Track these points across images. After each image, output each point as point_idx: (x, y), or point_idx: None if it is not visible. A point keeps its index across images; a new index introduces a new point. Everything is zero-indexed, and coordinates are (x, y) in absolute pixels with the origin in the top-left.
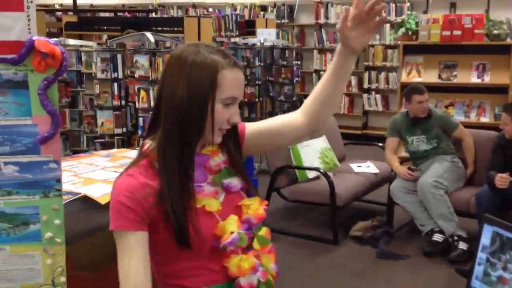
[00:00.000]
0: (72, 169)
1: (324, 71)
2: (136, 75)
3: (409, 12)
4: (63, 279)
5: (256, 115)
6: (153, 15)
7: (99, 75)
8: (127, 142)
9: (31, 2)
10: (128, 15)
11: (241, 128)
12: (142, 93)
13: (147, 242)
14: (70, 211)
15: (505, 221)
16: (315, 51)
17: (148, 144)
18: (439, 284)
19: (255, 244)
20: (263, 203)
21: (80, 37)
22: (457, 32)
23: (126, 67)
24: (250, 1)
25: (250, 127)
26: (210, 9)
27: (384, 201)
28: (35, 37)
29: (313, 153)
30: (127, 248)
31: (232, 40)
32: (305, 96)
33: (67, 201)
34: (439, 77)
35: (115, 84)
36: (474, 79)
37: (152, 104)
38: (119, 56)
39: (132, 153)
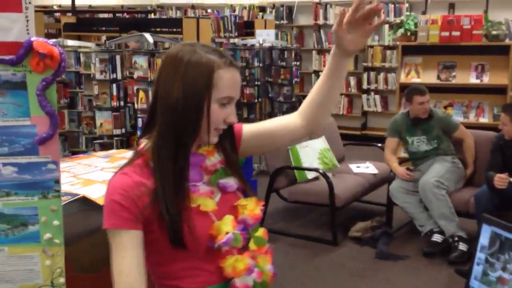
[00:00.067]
0: (71, 170)
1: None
2: (135, 76)
3: (408, 13)
4: (62, 280)
5: (255, 115)
6: (152, 16)
7: (98, 76)
8: (126, 143)
9: (30, 3)
10: (127, 16)
11: (238, 129)
12: (141, 94)
13: (142, 241)
14: (69, 212)
15: (504, 221)
16: (314, 52)
17: (144, 143)
18: (439, 284)
19: (251, 245)
20: (260, 203)
21: (78, 38)
22: (456, 33)
23: (125, 68)
24: (249, 2)
25: (247, 128)
26: (209, 10)
27: (383, 201)
28: (33, 38)
29: (312, 153)
30: (120, 247)
31: (231, 41)
32: (304, 97)
33: (66, 202)
34: (438, 77)
35: (114, 85)
36: (473, 79)
37: None
38: (117, 57)
39: (131, 154)
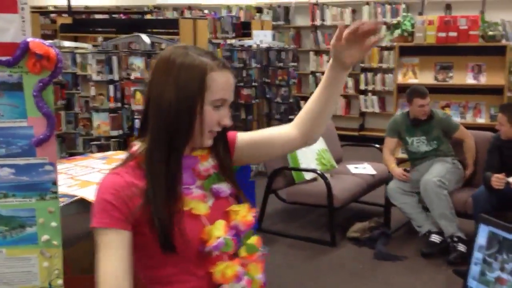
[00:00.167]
0: (68, 172)
1: (321, 72)
2: (132, 77)
3: (404, 14)
4: (60, 281)
5: (252, 116)
6: (149, 16)
7: (95, 77)
8: (123, 144)
9: (25, 3)
10: (123, 17)
11: (233, 136)
12: (138, 95)
13: (129, 242)
14: (66, 214)
15: (502, 221)
16: (311, 53)
17: (137, 145)
18: (437, 284)
19: (242, 252)
20: (252, 210)
21: (75, 39)
22: (453, 34)
23: (121, 69)
24: (246, 3)
25: (242, 136)
26: (206, 11)
27: (381, 202)
28: (29, 39)
29: (310, 154)
30: (108, 246)
31: (228, 41)
32: (302, 98)
33: (63, 203)
34: (435, 78)
35: (111, 86)
36: (469, 80)
37: None
38: (114, 58)
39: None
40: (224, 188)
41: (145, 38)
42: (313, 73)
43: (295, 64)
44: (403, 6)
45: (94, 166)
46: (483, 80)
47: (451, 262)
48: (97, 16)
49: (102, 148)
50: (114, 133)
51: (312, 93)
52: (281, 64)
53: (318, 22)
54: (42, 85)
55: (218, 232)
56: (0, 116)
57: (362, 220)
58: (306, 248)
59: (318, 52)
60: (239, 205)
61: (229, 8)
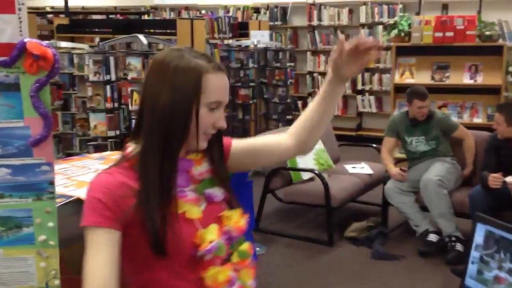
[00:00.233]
0: (65, 172)
1: (318, 72)
2: (129, 77)
3: (401, 14)
4: (57, 282)
5: (250, 117)
6: (146, 17)
7: (92, 77)
8: (120, 144)
9: (23, 4)
10: (120, 17)
11: (228, 142)
12: (135, 95)
13: (119, 242)
14: (63, 214)
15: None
16: (308, 53)
17: (132, 147)
18: (435, 284)
19: (234, 257)
20: (245, 216)
21: (72, 40)
22: (450, 34)
23: (118, 69)
24: (243, 3)
25: (237, 143)
26: (203, 11)
27: (378, 202)
28: (26, 39)
29: (308, 154)
30: (97, 245)
31: (226, 42)
32: (299, 98)
33: (60, 204)
34: (432, 78)
35: (108, 87)
36: (466, 80)
37: None
38: (111, 59)
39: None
40: (217, 193)
41: (142, 38)
42: (310, 73)
43: (292, 64)
44: (400, 6)
45: (91, 167)
46: (480, 80)
47: (449, 262)
48: (94, 17)
49: (99, 149)
50: (111, 133)
51: (309, 93)
52: (278, 64)
53: (315, 22)
54: (39, 85)
55: (212, 236)
56: None
57: (360, 219)
58: (303, 248)
59: (315, 52)
60: (232, 210)
61: (226, 8)
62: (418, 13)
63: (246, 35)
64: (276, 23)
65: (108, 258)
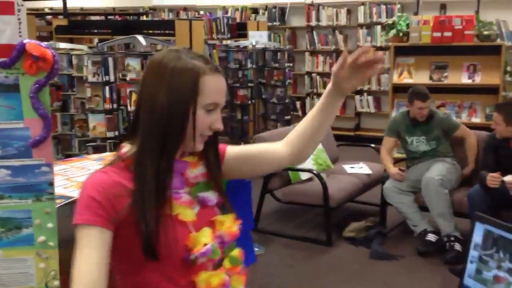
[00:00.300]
0: (65, 173)
1: (316, 72)
2: (128, 78)
3: (399, 14)
4: (56, 283)
5: (248, 117)
6: (144, 18)
7: (90, 78)
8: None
9: (22, 5)
10: (119, 18)
11: (222, 149)
12: (134, 96)
13: (110, 242)
14: (63, 215)
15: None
16: (306, 53)
17: (127, 148)
18: (433, 283)
19: (226, 263)
20: (237, 221)
21: (70, 41)
22: (448, 33)
23: (117, 70)
24: (241, 4)
25: (231, 150)
26: (202, 12)
27: (377, 202)
28: (26, 40)
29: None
30: (89, 244)
31: (224, 42)
32: (298, 98)
33: (60, 204)
34: (430, 78)
35: (107, 88)
36: (465, 79)
37: None
38: (110, 59)
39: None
40: (211, 197)
41: (141, 39)
42: (308, 73)
43: (291, 64)
44: (398, 6)
45: (90, 168)
46: (478, 79)
47: (448, 261)
48: (93, 18)
49: (98, 150)
50: (110, 134)
51: (308, 93)
52: (276, 65)
53: (313, 22)
54: (39, 86)
55: (205, 239)
56: None
57: (358, 219)
58: (302, 248)
59: (313, 53)
60: (225, 215)
61: (224, 9)
62: (416, 13)
63: (245, 36)
64: (274, 23)
65: (99, 258)
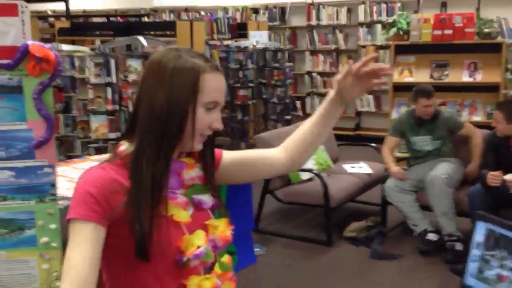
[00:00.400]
0: (67, 175)
1: (316, 72)
2: (130, 79)
3: (400, 12)
4: (59, 284)
5: (249, 117)
6: (146, 19)
7: (93, 80)
8: None
9: (26, 7)
10: (121, 20)
11: (218, 153)
12: (135, 100)
13: (103, 239)
14: (66, 216)
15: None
16: (307, 53)
17: (125, 146)
18: (434, 283)
19: (217, 269)
20: (230, 226)
21: (73, 43)
22: (448, 31)
23: (119, 71)
24: (242, 4)
25: (227, 155)
26: (202, 13)
27: (377, 201)
28: (29, 42)
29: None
30: (82, 240)
31: (225, 42)
32: (298, 98)
33: (62, 205)
34: (431, 76)
35: (109, 89)
36: (465, 78)
37: None
38: (112, 61)
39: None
40: (206, 200)
41: (143, 40)
42: (309, 73)
43: (291, 64)
44: (399, 4)
45: None
46: (479, 77)
47: (449, 261)
48: (95, 20)
49: (100, 151)
50: (112, 135)
51: (308, 93)
52: (277, 65)
53: (314, 22)
54: (42, 87)
55: (199, 241)
56: (0, 119)
57: (359, 219)
58: (302, 248)
59: (314, 52)
60: (218, 219)
61: (225, 9)
62: (416, 11)
63: (245, 36)
64: (274, 23)
65: (91, 254)
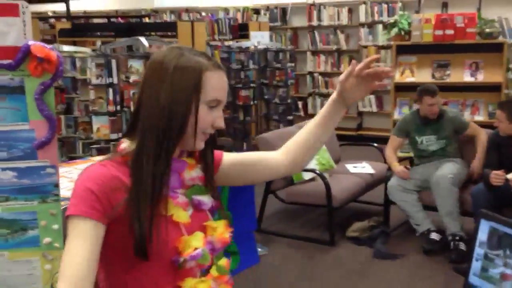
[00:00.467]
0: (69, 175)
1: (318, 72)
2: (131, 80)
3: (401, 12)
4: None
5: (251, 118)
6: (147, 20)
7: (94, 80)
8: None
9: (26, 7)
10: (122, 21)
11: (218, 155)
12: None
13: (102, 238)
14: None
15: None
16: (308, 53)
17: (126, 144)
18: (437, 283)
19: (213, 271)
20: (229, 229)
21: (74, 44)
22: (450, 32)
23: (120, 72)
24: (243, 5)
25: (227, 157)
26: (203, 13)
27: (380, 201)
28: (30, 42)
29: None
30: (82, 237)
31: (226, 43)
32: (300, 98)
33: (65, 206)
34: (433, 76)
35: (110, 90)
36: (467, 77)
37: None
38: (113, 62)
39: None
40: (206, 201)
41: (144, 41)
42: (310, 73)
43: (293, 64)
44: (400, 4)
45: None
46: (481, 77)
47: (452, 261)
48: (96, 21)
49: (101, 152)
50: (114, 136)
51: (310, 93)
52: (278, 65)
53: (315, 22)
54: (44, 88)
55: (197, 243)
56: (2, 119)
57: (361, 219)
58: (305, 248)
59: (315, 52)
60: (217, 221)
61: (226, 10)
62: (417, 12)
63: (246, 37)
64: (276, 24)
65: (90, 252)
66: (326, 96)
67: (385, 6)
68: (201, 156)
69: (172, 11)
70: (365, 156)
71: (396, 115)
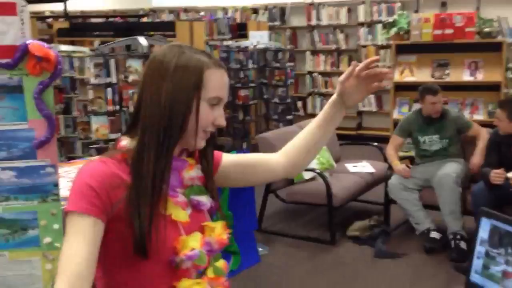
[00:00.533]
0: (68, 175)
1: (317, 72)
2: (130, 80)
3: (400, 12)
4: None
5: (250, 117)
6: (145, 19)
7: (92, 80)
8: None
9: (24, 6)
10: (120, 20)
11: (218, 156)
12: (136, 97)
13: (101, 234)
14: None
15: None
16: (307, 53)
17: (126, 141)
18: (438, 282)
19: (209, 273)
20: (227, 230)
21: (72, 43)
22: (449, 31)
23: (119, 71)
24: (241, 4)
25: (226, 158)
26: (202, 13)
27: (380, 200)
28: (29, 41)
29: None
30: (81, 233)
31: (225, 43)
32: (299, 98)
33: (65, 206)
34: (432, 75)
35: (109, 89)
36: (466, 77)
37: None
38: (112, 61)
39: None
40: (204, 201)
41: (142, 40)
42: (310, 73)
43: (292, 64)
44: (399, 4)
45: None
46: (480, 76)
47: (453, 259)
48: (94, 20)
49: (101, 152)
50: (113, 136)
51: (309, 93)
52: (278, 65)
53: (314, 22)
54: (42, 87)
55: (194, 243)
56: (1, 119)
57: (362, 218)
58: (306, 248)
59: (314, 52)
60: (215, 222)
61: (225, 9)
62: (416, 11)
63: (245, 36)
64: (275, 23)
65: (88, 249)
66: (325, 95)
67: (384, 5)
68: (201, 156)
69: (171, 10)
70: (365, 155)
71: (396, 115)
